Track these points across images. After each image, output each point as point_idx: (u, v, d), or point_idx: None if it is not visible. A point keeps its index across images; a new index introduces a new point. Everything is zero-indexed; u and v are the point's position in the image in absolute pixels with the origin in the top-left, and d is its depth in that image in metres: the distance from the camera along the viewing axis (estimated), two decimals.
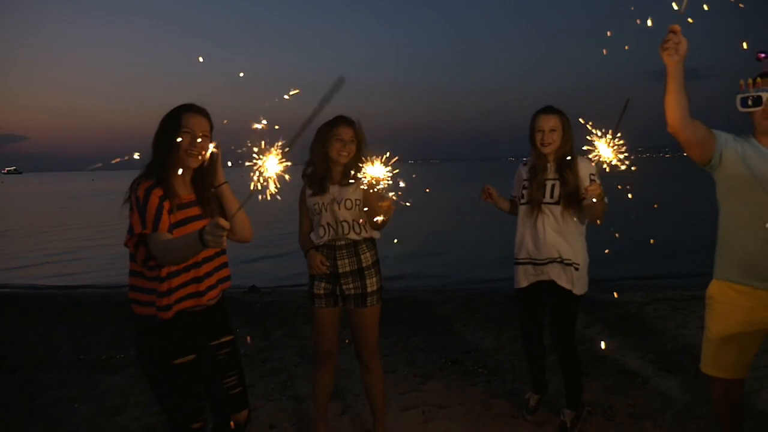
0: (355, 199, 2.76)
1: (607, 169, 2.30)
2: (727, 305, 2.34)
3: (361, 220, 2.78)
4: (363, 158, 2.61)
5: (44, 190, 65.13)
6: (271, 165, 1.82)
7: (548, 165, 3.00)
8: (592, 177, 2.85)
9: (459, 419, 3.39)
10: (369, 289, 2.79)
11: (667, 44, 2.01)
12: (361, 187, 2.63)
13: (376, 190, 2.40)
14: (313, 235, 2.88)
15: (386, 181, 2.29)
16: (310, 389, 3.08)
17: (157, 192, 2.05)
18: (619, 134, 2.24)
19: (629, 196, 2.67)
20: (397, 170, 2.30)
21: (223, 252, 2.29)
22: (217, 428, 2.35)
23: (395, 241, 2.42)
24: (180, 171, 2.13)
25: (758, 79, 2.20)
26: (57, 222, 23.17)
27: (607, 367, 4.10)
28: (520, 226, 3.10)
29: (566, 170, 2.91)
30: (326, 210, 2.78)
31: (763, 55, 2.24)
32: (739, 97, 2.24)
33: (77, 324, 5.85)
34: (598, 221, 2.85)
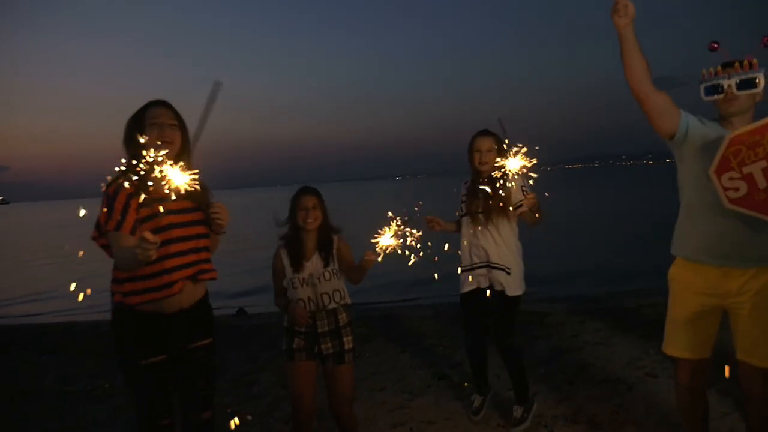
0: (331, 269, 2.88)
1: (518, 173, 2.84)
2: (686, 285, 2.45)
3: (339, 288, 2.91)
4: (331, 225, 2.95)
5: (33, 221, 64.45)
6: (175, 176, 1.98)
7: (482, 181, 3.27)
8: (524, 189, 3.16)
9: None
10: (346, 347, 2.90)
11: (617, 6, 2.20)
12: (376, 253, 2.68)
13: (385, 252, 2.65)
14: (291, 299, 2.92)
15: (398, 247, 2.62)
16: None
17: (125, 191, 2.10)
18: (519, 146, 2.76)
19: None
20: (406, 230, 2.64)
21: (203, 260, 2.32)
22: (187, 428, 2.39)
23: (410, 262, 2.66)
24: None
25: (719, 68, 2.32)
26: (47, 254, 22.95)
27: (592, 374, 4.14)
28: (462, 237, 3.41)
29: (498, 185, 3.18)
30: (306, 285, 2.86)
31: (716, 45, 2.37)
32: (702, 86, 2.36)
33: (63, 354, 5.79)
34: (533, 224, 3.19)
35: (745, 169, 2.20)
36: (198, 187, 2.14)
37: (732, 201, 2.23)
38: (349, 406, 2.95)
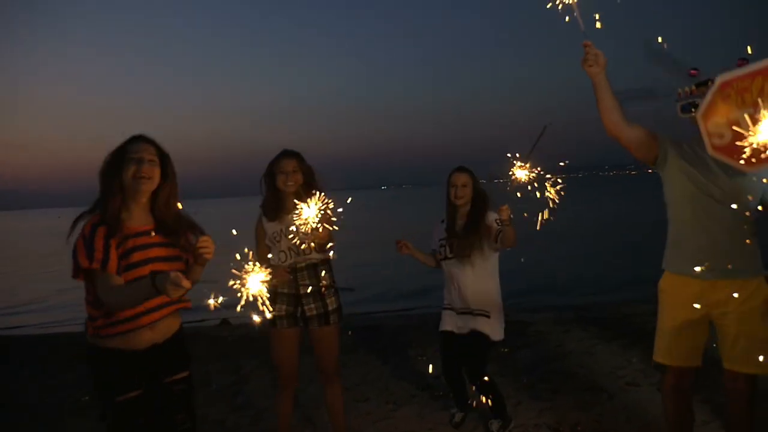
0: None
1: (519, 194, 2.62)
2: (676, 296, 2.53)
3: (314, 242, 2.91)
4: (314, 186, 2.92)
5: (19, 228, 63.46)
6: (253, 284, 1.91)
7: (459, 222, 3.40)
8: (497, 220, 3.12)
9: None
10: (330, 308, 2.97)
11: (587, 57, 2.32)
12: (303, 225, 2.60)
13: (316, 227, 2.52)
14: (272, 261, 3.02)
15: (318, 217, 2.45)
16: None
17: (102, 230, 2.07)
18: (530, 158, 2.58)
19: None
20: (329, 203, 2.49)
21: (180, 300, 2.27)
22: None
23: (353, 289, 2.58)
24: (133, 199, 2.16)
25: (693, 88, 2.45)
26: (30, 263, 22.62)
27: (575, 384, 4.17)
28: (445, 278, 3.48)
29: (475, 225, 3.28)
30: (286, 236, 2.93)
31: (695, 72, 2.49)
32: (678, 104, 2.49)
33: (45, 365, 5.70)
34: (512, 245, 3.09)
35: (732, 114, 2.18)
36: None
37: (716, 148, 2.23)
38: (333, 368, 3.03)
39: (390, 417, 3.84)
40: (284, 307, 2.96)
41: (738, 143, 2.13)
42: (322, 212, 2.47)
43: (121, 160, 2.13)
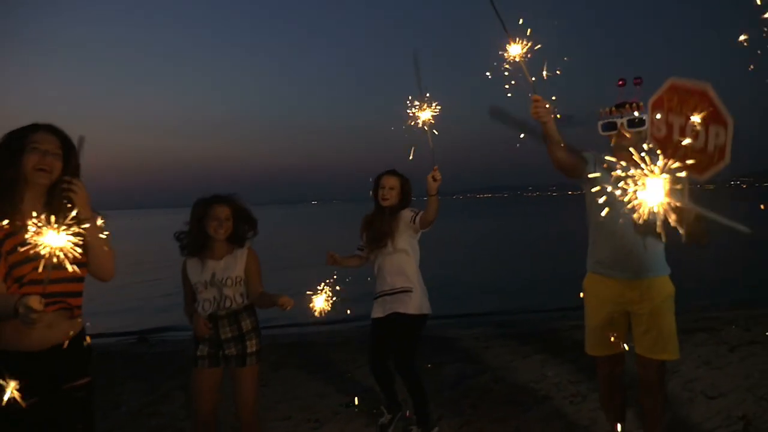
0: (236, 277, 2.93)
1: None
2: (597, 296, 2.84)
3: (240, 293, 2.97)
4: (247, 229, 3.00)
5: None
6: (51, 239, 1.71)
7: (384, 217, 3.54)
8: (412, 210, 3.51)
9: None
10: (248, 350, 2.93)
11: (537, 110, 2.53)
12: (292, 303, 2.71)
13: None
14: (196, 305, 2.97)
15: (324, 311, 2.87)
16: None
17: None
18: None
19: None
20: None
21: (74, 293, 2.09)
22: None
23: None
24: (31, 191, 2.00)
25: (613, 108, 2.71)
26: None
27: (494, 398, 4.30)
28: (374, 267, 3.64)
29: (394, 218, 3.51)
30: (210, 286, 2.90)
31: (622, 82, 2.71)
32: (600, 123, 2.74)
33: None
34: (433, 216, 3.33)
35: (670, 117, 2.33)
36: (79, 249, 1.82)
37: (654, 138, 2.44)
38: (248, 412, 2.94)
39: None
40: (206, 349, 2.92)
41: (669, 143, 2.36)
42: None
43: (20, 148, 1.97)
